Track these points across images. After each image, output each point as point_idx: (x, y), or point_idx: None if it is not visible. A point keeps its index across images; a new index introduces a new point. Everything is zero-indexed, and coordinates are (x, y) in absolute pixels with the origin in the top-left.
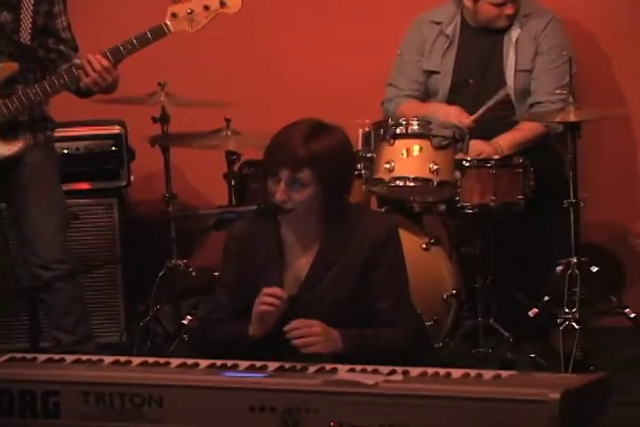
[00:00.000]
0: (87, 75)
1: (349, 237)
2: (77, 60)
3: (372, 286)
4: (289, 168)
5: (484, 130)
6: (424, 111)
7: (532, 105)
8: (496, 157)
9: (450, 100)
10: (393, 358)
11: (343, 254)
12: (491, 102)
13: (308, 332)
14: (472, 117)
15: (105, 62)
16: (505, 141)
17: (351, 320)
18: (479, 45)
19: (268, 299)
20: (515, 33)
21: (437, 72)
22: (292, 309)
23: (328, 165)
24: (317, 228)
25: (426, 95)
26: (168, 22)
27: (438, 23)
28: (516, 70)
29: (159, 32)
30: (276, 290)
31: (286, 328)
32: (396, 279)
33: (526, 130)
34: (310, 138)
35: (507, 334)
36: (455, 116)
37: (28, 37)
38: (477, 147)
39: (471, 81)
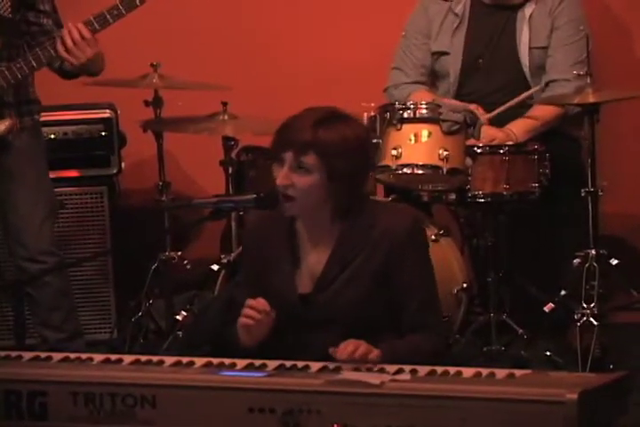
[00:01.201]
0: (65, 46)
1: (367, 235)
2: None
3: (397, 288)
4: (293, 150)
5: (498, 113)
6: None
7: (547, 84)
8: (510, 142)
9: (461, 83)
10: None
11: (360, 253)
12: (513, 102)
13: (356, 348)
14: (488, 116)
15: (85, 32)
16: (518, 128)
17: (367, 323)
18: (490, 23)
19: (249, 312)
20: (529, 9)
21: (447, 53)
22: (305, 308)
23: (337, 153)
24: (331, 223)
25: (433, 78)
26: None
27: (447, 0)
28: (530, 48)
29: None
30: (259, 302)
31: (333, 352)
32: (422, 281)
33: (541, 113)
34: (321, 123)
35: (521, 330)
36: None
37: (9, 10)
38: (489, 133)
39: (481, 61)
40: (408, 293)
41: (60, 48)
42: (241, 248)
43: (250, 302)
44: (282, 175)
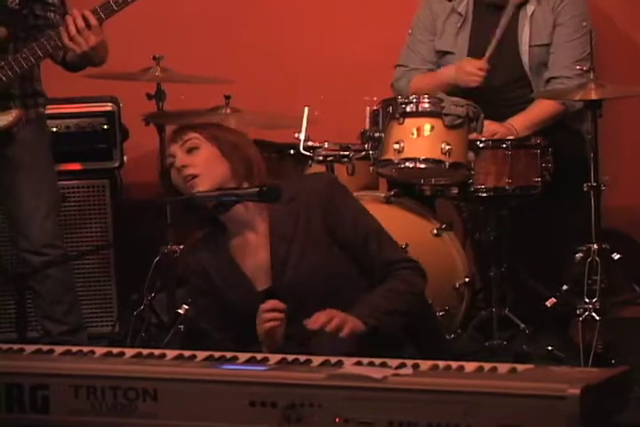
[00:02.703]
0: (69, 33)
1: (295, 208)
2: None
3: (347, 239)
4: (174, 140)
5: (499, 109)
6: (438, 79)
7: (548, 80)
8: (510, 137)
9: None
10: (415, 302)
11: (297, 226)
12: (498, 33)
13: (330, 316)
14: (484, 59)
15: (92, 19)
16: (518, 122)
17: (338, 290)
18: (493, 22)
19: (271, 315)
20: (531, 7)
21: (451, 53)
22: (278, 299)
23: (216, 130)
24: (257, 213)
25: None
26: None
27: (450, 0)
28: (530, 45)
29: None
30: (273, 303)
31: (308, 324)
32: (366, 223)
33: (542, 109)
34: (192, 125)
35: (523, 325)
36: (469, 65)
37: (16, 2)
38: (491, 128)
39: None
40: (359, 238)
41: (63, 35)
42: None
43: (264, 306)
44: (177, 161)
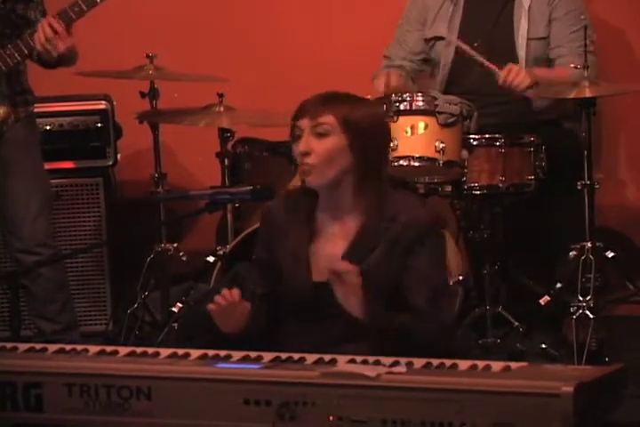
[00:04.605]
0: (39, 40)
1: (388, 227)
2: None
3: (410, 278)
4: (308, 116)
5: (491, 106)
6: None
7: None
8: (527, 81)
9: (454, 71)
10: (419, 347)
11: (379, 245)
12: (478, 58)
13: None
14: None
15: (58, 27)
16: (540, 72)
17: (378, 311)
18: (487, 10)
19: (218, 298)
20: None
21: (442, 38)
22: (317, 297)
23: (352, 111)
24: (355, 214)
25: (429, 66)
26: None
27: None
28: (528, 39)
29: None
30: (232, 293)
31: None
32: (434, 276)
33: (562, 70)
34: (332, 95)
35: (516, 323)
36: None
37: None
38: (511, 65)
39: (476, 44)
40: (420, 281)
41: (36, 41)
42: (256, 227)
43: (224, 291)
44: (303, 142)
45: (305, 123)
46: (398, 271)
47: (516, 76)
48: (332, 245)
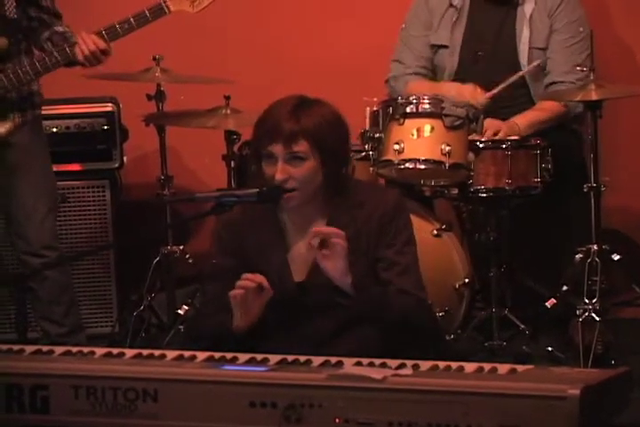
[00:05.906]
0: (82, 53)
1: (355, 216)
2: (65, 30)
3: (381, 261)
4: (282, 143)
5: (499, 110)
6: (435, 91)
7: (548, 85)
8: (513, 137)
9: (458, 77)
10: (406, 321)
11: (351, 233)
12: (509, 81)
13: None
14: (488, 95)
15: (101, 44)
16: (522, 121)
17: None
18: (490, 18)
19: (243, 282)
20: (529, 7)
21: (445, 46)
22: (301, 295)
23: (323, 134)
24: (321, 207)
25: (433, 72)
26: (168, 1)
27: None
28: (530, 47)
29: (158, 12)
30: (255, 276)
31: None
32: (406, 254)
33: (545, 110)
34: (297, 111)
35: (522, 325)
36: (469, 94)
37: (14, 11)
38: (494, 124)
39: (480, 53)
40: (390, 264)
41: (78, 54)
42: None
43: (245, 275)
44: (280, 170)
45: (279, 149)
46: (372, 253)
47: (497, 133)
48: (305, 243)
